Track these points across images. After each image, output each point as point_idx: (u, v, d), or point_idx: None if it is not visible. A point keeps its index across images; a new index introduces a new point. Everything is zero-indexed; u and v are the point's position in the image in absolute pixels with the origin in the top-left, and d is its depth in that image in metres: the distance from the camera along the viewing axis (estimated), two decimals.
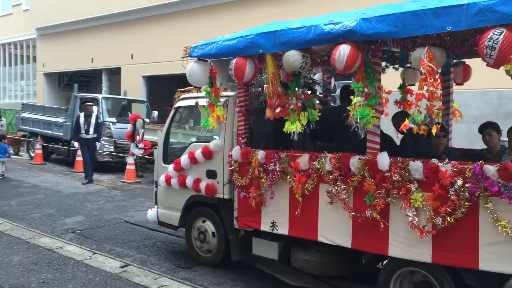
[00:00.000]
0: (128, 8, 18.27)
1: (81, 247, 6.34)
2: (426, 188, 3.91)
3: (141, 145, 10.61)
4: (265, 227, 5.01)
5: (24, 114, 16.65)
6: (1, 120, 14.08)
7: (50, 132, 15.07)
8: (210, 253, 5.75)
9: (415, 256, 4.01)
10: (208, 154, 5.52)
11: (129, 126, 11.22)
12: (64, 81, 23.81)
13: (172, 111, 6.39)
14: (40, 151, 14.97)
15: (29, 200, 9.37)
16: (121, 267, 5.61)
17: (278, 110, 4.63)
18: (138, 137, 10.13)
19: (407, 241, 4.06)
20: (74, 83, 17.05)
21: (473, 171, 3.67)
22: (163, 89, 18.06)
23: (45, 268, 5.53)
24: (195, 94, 6.03)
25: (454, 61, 5.23)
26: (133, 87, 18.35)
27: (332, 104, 6.54)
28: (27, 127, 16.27)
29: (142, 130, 10.44)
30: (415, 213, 3.94)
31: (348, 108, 4.19)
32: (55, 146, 14.73)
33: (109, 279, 5.21)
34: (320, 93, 6.40)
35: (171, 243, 6.84)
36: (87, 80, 23.56)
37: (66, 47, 21.73)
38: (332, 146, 4.86)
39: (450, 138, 5.47)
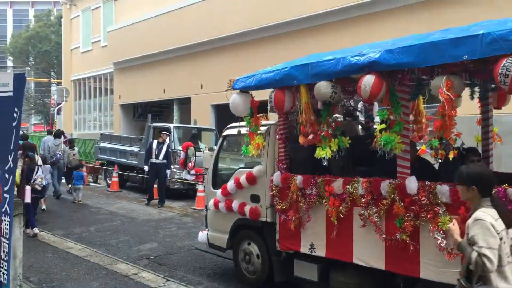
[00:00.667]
0: (197, 41, 19.19)
1: (154, 274, 6.60)
2: (453, 211, 4.03)
3: (192, 172, 11.50)
4: (304, 249, 5.27)
5: (102, 144, 17.72)
6: (74, 149, 15.17)
7: (125, 160, 15.90)
8: (255, 274, 6.04)
9: (445, 278, 4.06)
10: (251, 180, 5.91)
11: (182, 154, 12.02)
12: (138, 112, 25.20)
13: (220, 139, 6.87)
14: (117, 179, 15.79)
15: (106, 226, 9.97)
16: None
17: (310, 137, 4.96)
18: (190, 164, 11.06)
19: (437, 263, 4.18)
20: (147, 114, 18.12)
21: (497, 194, 3.75)
22: (231, 116, 18.60)
23: None
24: (239, 124, 6.33)
25: (492, 85, 5.18)
26: (202, 116, 19.15)
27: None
28: (105, 156, 17.25)
29: (194, 157, 11.27)
30: (443, 235, 4.06)
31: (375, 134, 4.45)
32: (130, 174, 15.60)
33: None
34: (362, 120, 6.62)
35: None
36: (160, 110, 24.81)
37: (140, 80, 23.15)
38: (372, 171, 5.00)
39: (491, 162, 5.47)
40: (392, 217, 4.46)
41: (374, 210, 4.58)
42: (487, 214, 3.11)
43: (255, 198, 5.91)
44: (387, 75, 4.43)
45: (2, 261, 4.06)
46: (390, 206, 4.46)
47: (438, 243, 4.10)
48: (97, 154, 18.17)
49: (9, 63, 68.05)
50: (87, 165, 18.31)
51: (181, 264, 7.26)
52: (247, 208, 5.93)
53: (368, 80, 4.31)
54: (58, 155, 13.39)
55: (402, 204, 4.37)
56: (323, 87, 4.76)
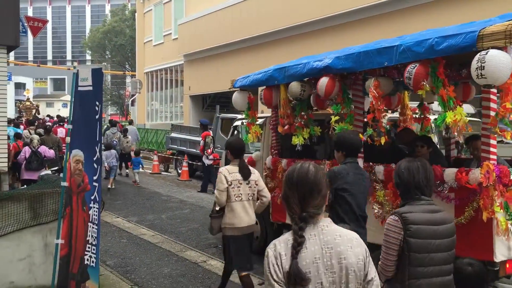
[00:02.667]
0: (264, 32, 19.28)
1: (222, 262, 6.48)
2: (386, 186, 4.95)
3: (211, 157, 13.03)
4: (288, 220, 5.85)
5: (173, 134, 18.28)
6: (127, 137, 16.23)
7: (194, 150, 16.13)
8: (257, 239, 6.89)
9: (377, 240, 3.77)
10: (251, 163, 6.76)
11: (201, 142, 13.40)
12: (207, 103, 25.72)
13: (232, 129, 8.02)
14: (186, 169, 16.25)
15: (177, 214, 10.32)
16: (259, 284, 5.83)
17: (286, 127, 6.12)
18: (209, 150, 12.84)
19: (375, 228, 4.78)
20: (216, 105, 18.39)
21: None
22: None
23: (191, 281, 6.07)
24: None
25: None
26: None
27: None
28: (175, 146, 17.74)
29: (212, 144, 13.19)
30: (379, 206, 5.02)
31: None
32: (199, 163, 15.95)
33: None
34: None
35: None
36: (227, 101, 25.03)
37: (208, 71, 23.60)
38: None
39: (452, 149, 6.48)
40: None
41: None
42: (225, 169, 4.97)
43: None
44: (340, 77, 5.43)
45: (90, 246, 4.30)
46: None
47: (375, 212, 5.01)
48: (168, 144, 18.72)
49: (88, 57, 71.72)
50: (159, 154, 18.99)
51: None
52: None
53: (323, 81, 5.35)
54: (114, 142, 15.18)
55: None
56: (294, 87, 5.85)
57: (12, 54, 51.43)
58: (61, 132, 16.17)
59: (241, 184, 4.92)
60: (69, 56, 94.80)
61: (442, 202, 4.48)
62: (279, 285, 2.03)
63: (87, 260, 4.30)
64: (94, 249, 4.28)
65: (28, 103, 30.90)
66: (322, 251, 2.04)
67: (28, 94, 44.17)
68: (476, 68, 3.89)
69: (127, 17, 49.82)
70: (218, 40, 22.22)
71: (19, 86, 69.13)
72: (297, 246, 2.02)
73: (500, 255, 4.20)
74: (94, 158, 4.28)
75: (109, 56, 52.71)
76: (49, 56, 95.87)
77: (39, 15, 71.49)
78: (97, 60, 55.54)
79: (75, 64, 4.89)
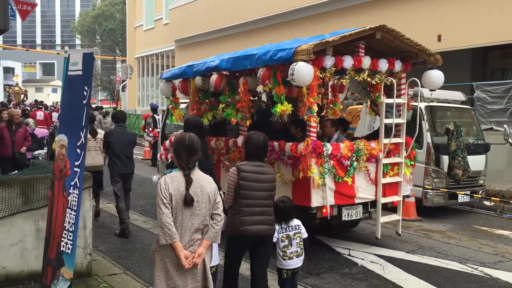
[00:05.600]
0: (258, 17, 19.16)
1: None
2: (294, 160, 6.23)
3: (151, 134, 15.69)
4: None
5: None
6: (106, 119, 17.87)
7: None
8: None
9: None
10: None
11: (142, 122, 17.04)
12: None
13: (166, 112, 9.74)
14: (148, 149, 17.03)
15: None
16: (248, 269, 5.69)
17: (195, 111, 7.78)
18: (150, 129, 15.75)
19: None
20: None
21: (272, 146, 6.34)
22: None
23: None
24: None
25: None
26: None
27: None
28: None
29: (152, 124, 15.93)
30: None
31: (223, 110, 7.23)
32: None
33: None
34: (264, 100, 8.82)
35: None
36: None
37: (201, 57, 22.94)
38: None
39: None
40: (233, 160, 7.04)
41: (226, 156, 7.28)
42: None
43: None
44: (228, 74, 7.32)
45: (67, 232, 4.23)
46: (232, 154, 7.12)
47: (281, 179, 6.33)
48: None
49: (77, 41, 70.90)
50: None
51: None
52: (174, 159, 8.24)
53: (213, 77, 7.23)
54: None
55: (235, 152, 7.05)
56: (197, 80, 7.72)
57: (0, 38, 50.65)
58: (39, 115, 16.79)
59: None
60: (58, 41, 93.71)
61: (284, 166, 6.37)
62: (166, 200, 3.46)
63: (63, 246, 4.24)
64: (71, 236, 4.19)
65: (17, 88, 30.58)
66: (195, 184, 3.52)
67: (17, 79, 43.67)
68: (290, 75, 5.63)
69: (117, 1, 49.24)
70: (210, 25, 22.05)
71: (8, 71, 68.24)
72: (190, 183, 3.50)
73: (316, 202, 6.06)
74: (78, 143, 4.22)
75: (99, 40, 52.19)
76: (38, 41, 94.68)
77: None
78: (87, 45, 55.00)
79: (66, 48, 4.89)
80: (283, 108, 5.88)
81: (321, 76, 5.96)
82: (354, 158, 6.33)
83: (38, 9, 76.42)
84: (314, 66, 5.77)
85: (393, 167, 6.87)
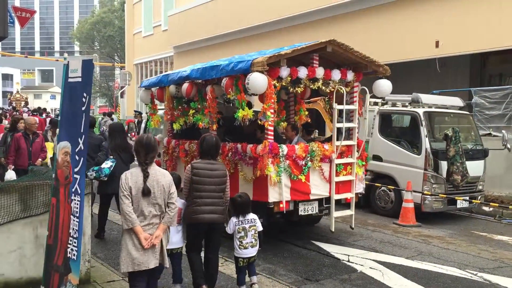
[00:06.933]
0: (257, 23, 19.13)
1: (224, 259, 6.59)
2: (253, 161, 6.92)
3: (133, 139, 15.35)
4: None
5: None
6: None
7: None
8: None
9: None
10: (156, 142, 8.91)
11: (125, 127, 16.53)
12: None
13: (146, 119, 10.09)
14: None
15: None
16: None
17: (169, 116, 8.68)
18: (133, 133, 16.78)
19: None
20: None
21: (236, 148, 7.11)
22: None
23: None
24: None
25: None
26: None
27: None
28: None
29: (135, 129, 17.10)
30: (244, 175, 7.15)
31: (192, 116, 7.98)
32: None
33: None
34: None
35: (297, 254, 7.12)
36: None
37: (198, 62, 23.43)
38: (235, 138, 7.67)
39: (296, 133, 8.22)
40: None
41: (185, 158, 8.14)
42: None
43: (159, 155, 8.75)
44: (198, 83, 7.97)
45: (72, 239, 4.28)
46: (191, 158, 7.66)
47: (243, 177, 7.04)
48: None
49: (76, 48, 70.99)
50: None
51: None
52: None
53: (184, 86, 7.99)
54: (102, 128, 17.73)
55: (193, 154, 7.88)
56: (171, 88, 8.54)
57: None
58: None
59: None
60: (57, 47, 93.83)
61: (246, 166, 7.00)
62: (126, 192, 4.18)
63: (69, 253, 4.29)
64: (75, 242, 4.25)
65: (18, 95, 30.59)
66: (151, 177, 4.24)
67: (18, 86, 43.65)
68: (246, 84, 6.37)
69: (116, 8, 49.36)
70: (208, 32, 22.10)
71: (6, 77, 68.12)
72: (147, 176, 4.22)
73: (272, 198, 6.71)
74: (77, 150, 4.25)
75: (98, 47, 52.22)
76: (37, 47, 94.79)
77: (26, 5, 70.43)
78: (86, 52, 55.03)
79: (66, 55, 4.86)
80: (245, 113, 6.61)
81: (277, 84, 6.70)
82: (308, 159, 7.00)
83: (37, 16, 76.60)
84: (270, 76, 6.53)
85: (346, 166, 7.49)
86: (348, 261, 6.76)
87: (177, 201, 4.51)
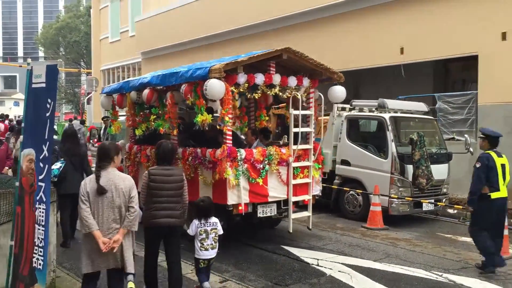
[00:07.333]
0: (226, 29, 19.18)
1: (183, 261, 6.62)
2: (212, 164, 7.15)
3: (96, 145, 15.66)
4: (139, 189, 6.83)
5: None
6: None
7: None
8: None
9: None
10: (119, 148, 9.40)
11: (88, 133, 17.81)
12: None
13: (104, 125, 10.54)
14: None
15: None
16: (221, 282, 5.98)
17: (130, 122, 8.89)
18: (95, 140, 16.52)
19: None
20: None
21: (196, 152, 7.37)
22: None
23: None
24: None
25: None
26: None
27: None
28: None
29: (97, 135, 16.81)
30: (204, 178, 7.35)
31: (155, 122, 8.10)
32: None
33: None
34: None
35: (267, 259, 7.16)
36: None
37: (166, 68, 23.26)
38: (196, 143, 7.95)
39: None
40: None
41: (147, 164, 8.19)
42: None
43: (121, 160, 8.46)
44: (158, 89, 8.14)
45: (37, 248, 4.18)
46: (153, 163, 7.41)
47: (203, 181, 7.26)
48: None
49: (41, 54, 69.44)
50: None
51: None
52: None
53: (145, 92, 8.15)
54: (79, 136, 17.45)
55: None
56: (132, 94, 8.70)
57: None
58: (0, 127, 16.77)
59: None
60: (20, 53, 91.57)
61: (206, 170, 7.20)
62: (84, 198, 4.36)
63: (35, 262, 4.20)
64: (41, 251, 4.17)
65: None
66: (109, 181, 4.38)
67: None
68: (204, 90, 6.60)
69: (81, 13, 48.48)
70: (177, 37, 21.99)
71: None
72: (98, 177, 4.37)
73: (231, 200, 6.92)
74: (41, 157, 4.17)
75: (63, 53, 51.18)
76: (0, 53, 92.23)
77: None
78: (51, 57, 53.91)
79: (29, 60, 4.73)
80: (203, 118, 6.87)
81: (235, 90, 6.98)
82: (266, 162, 7.25)
83: None
84: (228, 83, 6.78)
85: (303, 170, 7.77)
86: (318, 265, 6.81)
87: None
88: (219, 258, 6.86)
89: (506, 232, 7.27)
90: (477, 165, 6.55)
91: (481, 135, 6.85)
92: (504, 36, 11.31)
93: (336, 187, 10.37)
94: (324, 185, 10.46)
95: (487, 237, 6.54)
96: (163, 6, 23.30)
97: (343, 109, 10.90)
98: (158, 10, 23.62)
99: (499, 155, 6.62)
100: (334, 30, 15.23)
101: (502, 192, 6.55)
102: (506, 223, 7.35)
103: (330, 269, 6.63)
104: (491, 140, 6.71)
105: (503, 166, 6.58)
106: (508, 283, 6.20)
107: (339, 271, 6.55)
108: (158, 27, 23.24)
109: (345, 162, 10.29)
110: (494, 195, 6.46)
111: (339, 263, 6.92)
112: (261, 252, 7.48)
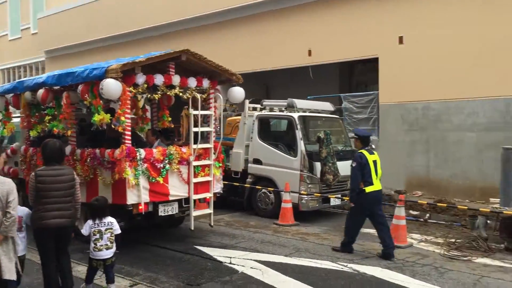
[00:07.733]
0: (137, 28, 18.82)
1: (82, 264, 6.40)
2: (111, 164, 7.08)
3: None
4: None
5: None
6: None
7: None
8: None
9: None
10: (14, 151, 9.40)
11: None
12: None
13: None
14: None
15: None
16: (131, 286, 5.81)
17: (26, 123, 8.66)
18: None
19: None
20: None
21: (94, 153, 7.29)
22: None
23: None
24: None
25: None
26: None
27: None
28: None
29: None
30: (104, 179, 7.24)
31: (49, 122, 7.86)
32: None
33: None
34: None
35: (180, 260, 7.09)
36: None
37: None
38: (96, 144, 7.74)
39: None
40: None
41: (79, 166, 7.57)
42: None
43: (16, 163, 9.30)
44: (55, 89, 7.90)
45: None
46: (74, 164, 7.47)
47: (103, 181, 7.18)
48: None
49: None
50: None
51: (119, 256, 7.12)
52: (11, 170, 9.27)
53: (40, 92, 7.94)
54: None
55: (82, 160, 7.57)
56: (27, 95, 8.42)
57: None
58: None
59: None
60: None
61: (105, 170, 7.15)
62: None
63: None
64: None
65: None
66: None
67: None
68: (100, 89, 6.58)
69: None
70: (82, 36, 21.13)
71: None
72: None
73: (131, 200, 6.93)
74: None
75: None
76: None
77: None
78: None
79: None
80: (101, 117, 6.81)
81: (133, 91, 6.97)
82: (166, 161, 7.32)
83: None
84: (125, 83, 6.79)
85: (204, 168, 7.89)
86: (230, 263, 6.88)
87: (18, 209, 4.50)
88: (130, 262, 6.79)
89: (403, 222, 7.85)
90: (353, 164, 7.21)
91: (354, 136, 7.65)
92: (401, 40, 12.15)
93: (248, 185, 10.52)
94: (237, 184, 10.62)
95: (358, 225, 7.44)
96: (68, 3, 22.26)
97: (254, 109, 11.08)
98: (62, 7, 22.54)
99: (371, 153, 7.33)
100: (244, 32, 15.45)
101: (376, 186, 7.22)
102: (404, 214, 7.97)
103: (243, 266, 6.71)
104: (363, 139, 7.46)
105: (374, 162, 7.25)
106: (405, 270, 6.65)
107: (251, 267, 6.64)
108: (63, 25, 22.19)
109: (257, 161, 10.48)
110: (368, 189, 7.13)
111: (251, 260, 7.02)
112: (173, 254, 7.41)
